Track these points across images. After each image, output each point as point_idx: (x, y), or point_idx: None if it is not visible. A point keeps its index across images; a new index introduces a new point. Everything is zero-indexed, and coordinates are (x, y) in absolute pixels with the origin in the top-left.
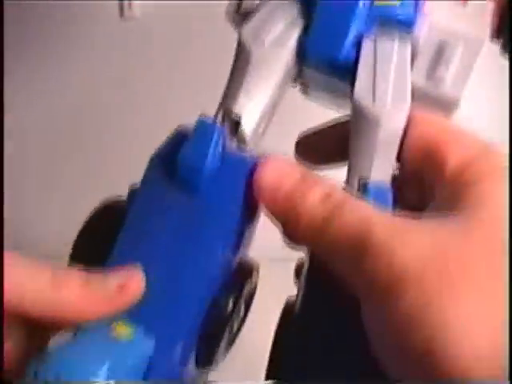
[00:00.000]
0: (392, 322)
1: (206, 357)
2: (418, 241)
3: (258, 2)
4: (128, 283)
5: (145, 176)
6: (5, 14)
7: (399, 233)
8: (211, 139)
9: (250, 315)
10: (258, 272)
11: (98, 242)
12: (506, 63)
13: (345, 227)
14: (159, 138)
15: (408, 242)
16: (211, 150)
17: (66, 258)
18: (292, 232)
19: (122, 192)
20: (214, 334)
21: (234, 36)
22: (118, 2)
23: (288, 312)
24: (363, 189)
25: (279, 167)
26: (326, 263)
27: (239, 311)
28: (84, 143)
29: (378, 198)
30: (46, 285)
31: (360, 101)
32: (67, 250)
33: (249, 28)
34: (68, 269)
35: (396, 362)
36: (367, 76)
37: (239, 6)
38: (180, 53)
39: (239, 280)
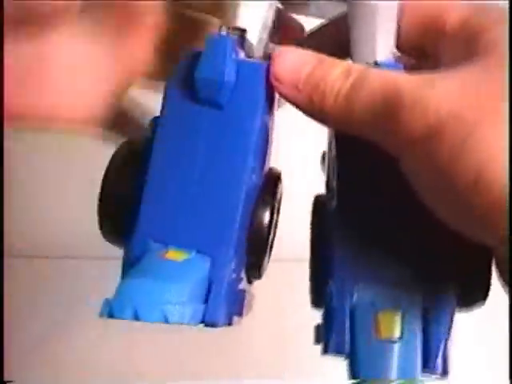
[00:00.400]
0: (437, 166)
1: (255, 269)
2: (447, 86)
3: None
4: None
5: (164, 102)
6: None
7: (427, 84)
8: (225, 50)
9: (250, 316)
10: (281, 177)
11: (127, 176)
12: None
13: (373, 93)
14: None
15: (438, 90)
16: (227, 61)
17: None
18: (318, 115)
19: None
20: (259, 246)
21: None
22: None
23: (321, 209)
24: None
25: (294, 56)
26: (354, 138)
27: (274, 219)
28: None
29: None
30: None
31: None
32: None
33: None
34: None
35: (445, 205)
36: None
37: None
38: None
39: (271, 189)
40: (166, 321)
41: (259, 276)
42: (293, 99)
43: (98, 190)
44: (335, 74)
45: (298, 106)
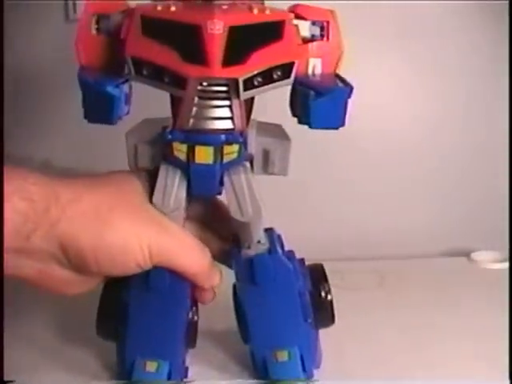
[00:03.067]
0: None
1: (192, 344)
2: None
3: None
4: None
5: (132, 295)
6: None
7: None
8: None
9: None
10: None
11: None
12: None
13: None
14: None
15: None
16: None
17: None
18: None
19: None
20: (192, 336)
21: None
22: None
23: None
24: (264, 240)
25: None
26: None
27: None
28: None
29: (274, 236)
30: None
31: (236, 218)
32: None
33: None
34: None
35: None
36: (233, 201)
37: None
38: None
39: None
40: None
41: (194, 347)
42: None
43: None
44: None
45: None
